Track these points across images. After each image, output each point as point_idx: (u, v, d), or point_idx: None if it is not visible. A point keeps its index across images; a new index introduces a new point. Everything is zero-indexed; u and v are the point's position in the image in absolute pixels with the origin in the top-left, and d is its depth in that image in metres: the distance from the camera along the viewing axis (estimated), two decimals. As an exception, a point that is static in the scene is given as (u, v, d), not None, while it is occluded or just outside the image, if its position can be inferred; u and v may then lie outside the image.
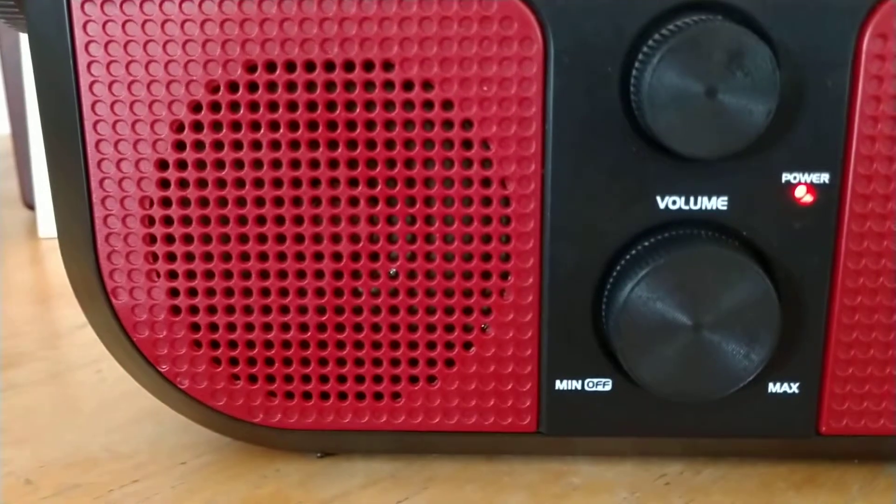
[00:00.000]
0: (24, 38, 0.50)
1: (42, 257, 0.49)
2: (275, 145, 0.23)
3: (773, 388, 0.25)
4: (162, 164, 0.24)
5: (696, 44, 0.21)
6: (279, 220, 0.24)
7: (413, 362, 0.25)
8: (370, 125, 0.23)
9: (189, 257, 0.24)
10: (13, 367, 0.34)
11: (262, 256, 0.24)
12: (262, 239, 0.24)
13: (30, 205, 0.53)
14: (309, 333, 0.25)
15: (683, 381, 0.24)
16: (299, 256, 0.24)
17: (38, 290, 0.44)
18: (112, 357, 0.26)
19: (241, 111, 0.23)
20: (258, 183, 0.24)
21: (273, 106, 0.23)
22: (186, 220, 0.24)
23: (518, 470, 0.27)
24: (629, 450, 0.27)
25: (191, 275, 0.24)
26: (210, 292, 0.25)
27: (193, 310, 0.25)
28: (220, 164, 0.24)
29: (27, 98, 0.50)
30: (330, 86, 0.23)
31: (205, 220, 0.24)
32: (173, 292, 0.25)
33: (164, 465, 0.27)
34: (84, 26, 0.23)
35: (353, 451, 0.27)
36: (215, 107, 0.23)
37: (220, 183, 0.24)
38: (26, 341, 0.37)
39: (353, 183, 0.24)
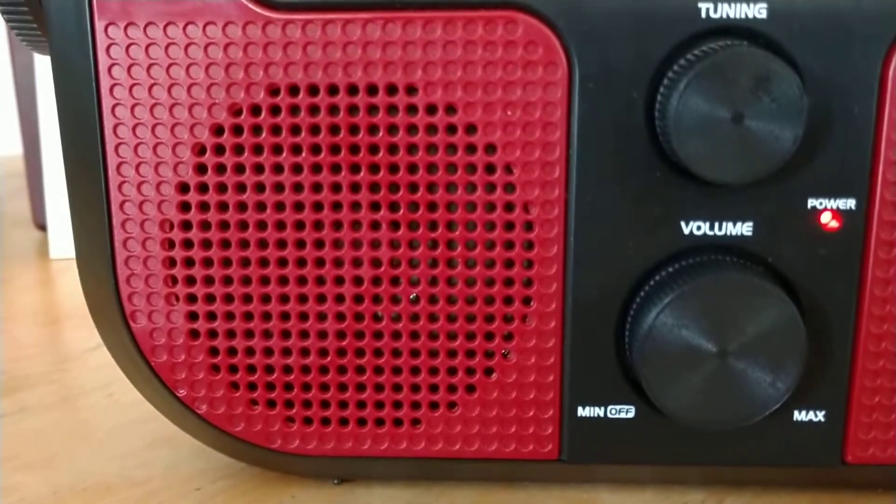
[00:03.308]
0: (37, 59, 0.50)
1: (53, 278, 0.48)
2: (296, 169, 0.23)
3: (799, 416, 0.24)
4: (183, 188, 0.23)
5: (723, 69, 0.21)
6: (300, 245, 0.24)
7: (433, 388, 0.25)
8: (393, 149, 0.23)
9: (209, 281, 0.24)
10: (23, 390, 0.34)
11: (282, 281, 0.24)
12: (282, 263, 0.24)
13: (41, 225, 0.53)
14: (328, 358, 0.25)
15: (708, 409, 0.23)
16: (319, 280, 0.24)
17: (49, 312, 0.44)
18: (123, 380, 0.26)
19: (263, 134, 0.23)
20: (279, 207, 0.23)
21: (295, 129, 0.23)
22: (206, 244, 0.24)
23: (537, 497, 0.26)
24: (650, 478, 0.27)
25: (210, 299, 0.24)
26: (229, 316, 0.24)
27: (212, 334, 0.24)
28: (241, 188, 0.23)
29: (40, 118, 0.51)
30: (353, 109, 0.23)
31: (225, 244, 0.24)
32: (192, 316, 0.24)
33: (179, 490, 0.27)
34: (107, 49, 0.23)
35: (371, 477, 0.27)
36: (237, 130, 0.23)
37: (241, 206, 0.24)
38: (36, 364, 0.37)
39: (375, 207, 0.23)
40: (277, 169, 0.23)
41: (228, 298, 0.24)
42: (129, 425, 0.31)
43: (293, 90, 0.23)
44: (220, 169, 0.23)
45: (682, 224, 0.23)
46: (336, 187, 0.23)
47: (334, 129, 0.23)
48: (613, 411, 0.25)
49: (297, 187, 0.23)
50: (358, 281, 0.24)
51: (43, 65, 0.50)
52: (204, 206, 0.24)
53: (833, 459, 0.25)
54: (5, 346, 0.39)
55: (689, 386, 0.23)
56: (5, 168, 0.69)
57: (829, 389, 0.24)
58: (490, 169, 0.23)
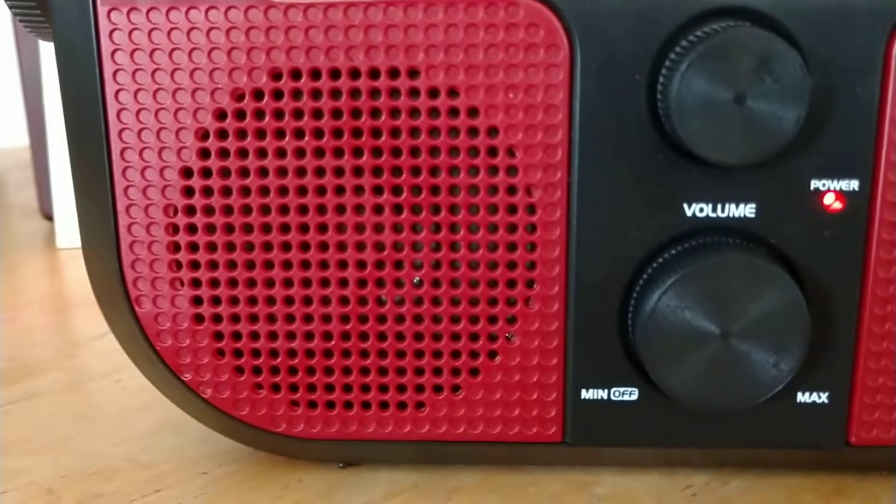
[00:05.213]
0: (43, 49, 0.50)
1: (60, 267, 0.49)
2: (299, 153, 0.23)
3: (802, 397, 0.24)
4: (186, 172, 0.24)
5: (725, 50, 0.21)
6: (303, 228, 0.24)
7: (437, 371, 0.25)
8: (395, 133, 0.23)
9: (213, 265, 0.24)
10: (33, 377, 0.34)
11: (286, 265, 0.24)
12: (286, 247, 0.24)
13: (48, 215, 0.54)
14: (333, 342, 0.25)
15: (711, 391, 0.23)
16: (323, 265, 0.24)
17: (57, 300, 0.44)
18: (132, 367, 0.26)
19: (266, 119, 0.23)
20: (282, 191, 0.24)
21: (298, 114, 0.23)
22: (210, 229, 0.24)
23: (542, 480, 0.26)
24: (654, 460, 0.27)
25: (214, 283, 0.24)
26: (234, 301, 0.24)
27: (217, 318, 0.25)
28: (244, 172, 0.24)
29: (46, 109, 0.51)
30: (355, 93, 0.23)
31: (229, 229, 0.24)
32: (197, 301, 0.25)
33: (186, 475, 0.27)
34: (110, 34, 0.23)
35: (376, 461, 0.27)
36: (240, 115, 0.23)
37: (245, 191, 0.24)
38: (45, 351, 0.37)
39: (377, 191, 0.24)
40: (280, 153, 0.23)
41: (232, 283, 0.24)
42: (137, 410, 0.31)
43: (295, 74, 0.23)
44: (224, 153, 0.23)
45: (685, 206, 0.23)
46: (339, 171, 0.23)
47: (336, 113, 0.23)
48: (617, 394, 0.25)
49: (300, 171, 0.23)
50: (361, 265, 0.24)
51: (49, 56, 0.50)
52: (207, 191, 0.24)
53: (837, 441, 0.25)
54: (15, 334, 0.39)
55: (693, 368, 0.23)
56: (12, 159, 0.70)
57: (833, 371, 0.24)
58: (492, 152, 0.23)
